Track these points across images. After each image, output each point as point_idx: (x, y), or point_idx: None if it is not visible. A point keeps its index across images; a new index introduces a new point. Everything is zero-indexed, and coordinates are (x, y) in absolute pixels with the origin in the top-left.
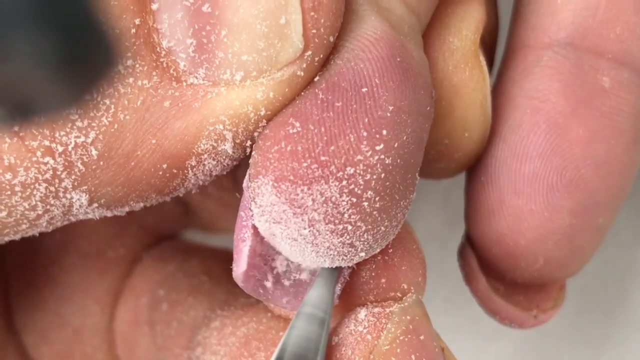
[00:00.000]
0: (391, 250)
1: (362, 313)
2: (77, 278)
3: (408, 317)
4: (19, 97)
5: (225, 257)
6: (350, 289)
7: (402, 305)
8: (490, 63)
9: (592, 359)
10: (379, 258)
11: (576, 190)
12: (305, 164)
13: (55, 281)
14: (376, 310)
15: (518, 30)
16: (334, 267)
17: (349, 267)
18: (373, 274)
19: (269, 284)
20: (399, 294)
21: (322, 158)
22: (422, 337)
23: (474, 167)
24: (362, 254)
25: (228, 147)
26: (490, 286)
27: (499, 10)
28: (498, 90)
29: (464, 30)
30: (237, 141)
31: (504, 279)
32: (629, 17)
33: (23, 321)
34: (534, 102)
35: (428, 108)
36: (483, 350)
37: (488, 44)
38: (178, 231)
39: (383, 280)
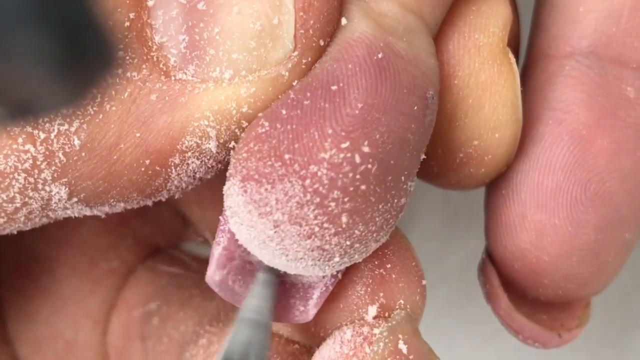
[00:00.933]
0: (389, 265)
1: (348, 333)
2: (70, 290)
3: (398, 336)
4: (19, 96)
5: None
6: (343, 303)
7: (390, 324)
8: None
9: (592, 358)
10: (376, 272)
11: (601, 204)
12: (269, 163)
13: (48, 292)
14: (363, 329)
15: (538, 40)
16: (307, 274)
17: (332, 276)
18: (369, 289)
19: (241, 289)
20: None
21: (286, 156)
22: (411, 357)
23: (494, 180)
24: (337, 259)
25: (212, 145)
26: (512, 304)
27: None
28: None
29: (491, 27)
30: (221, 140)
31: (526, 297)
32: None
33: (16, 331)
34: (556, 113)
35: (415, 108)
36: (483, 350)
37: (513, 48)
38: (175, 243)
39: (379, 297)
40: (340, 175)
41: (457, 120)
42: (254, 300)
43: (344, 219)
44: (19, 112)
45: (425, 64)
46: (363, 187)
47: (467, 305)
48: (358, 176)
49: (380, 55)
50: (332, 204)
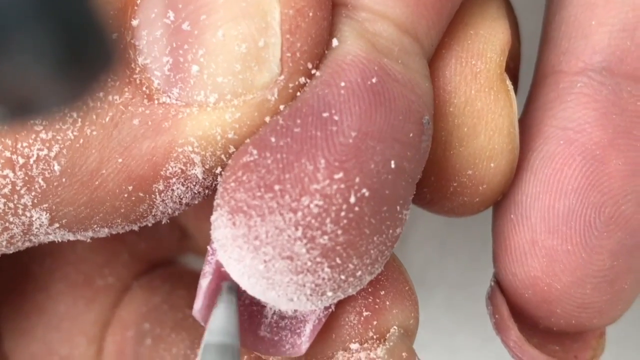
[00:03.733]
0: (383, 292)
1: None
2: (65, 306)
3: (397, 357)
4: (19, 95)
5: None
6: (336, 333)
7: (387, 346)
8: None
9: None
10: (370, 301)
11: (616, 228)
12: (258, 194)
13: (43, 309)
14: (360, 355)
15: (548, 55)
16: (300, 309)
17: (325, 308)
18: (362, 319)
19: None
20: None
21: (276, 187)
22: None
23: (502, 203)
24: (330, 293)
25: (197, 172)
26: (523, 335)
27: (522, 35)
28: (527, 120)
29: (489, 53)
30: (206, 167)
31: (537, 327)
32: None
33: (12, 347)
34: (567, 133)
35: (411, 135)
36: (483, 350)
37: (512, 71)
38: (173, 257)
39: (372, 325)
40: (334, 208)
41: (452, 148)
42: (218, 322)
43: (338, 253)
44: (19, 110)
45: (420, 88)
46: (357, 219)
47: (467, 305)
48: (352, 208)
49: (374, 80)
50: (325, 237)
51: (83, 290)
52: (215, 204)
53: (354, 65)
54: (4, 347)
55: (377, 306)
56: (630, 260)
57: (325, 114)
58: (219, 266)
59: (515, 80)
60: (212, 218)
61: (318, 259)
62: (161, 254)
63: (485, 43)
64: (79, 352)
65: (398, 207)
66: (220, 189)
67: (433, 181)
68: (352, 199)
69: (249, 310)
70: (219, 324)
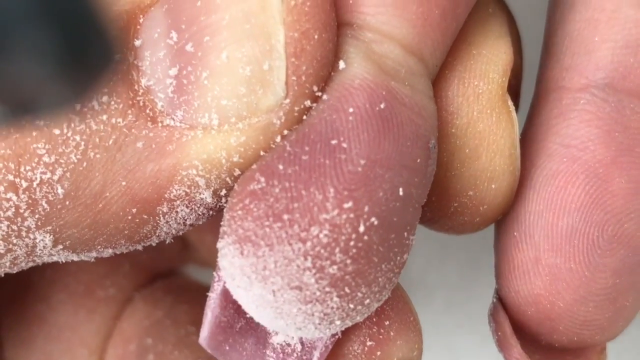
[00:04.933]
0: (387, 322)
1: None
2: (65, 317)
3: None
4: (20, 95)
5: None
6: None
7: None
8: (515, 108)
9: None
10: (374, 331)
11: (619, 246)
12: (267, 223)
13: (44, 319)
14: None
15: (550, 71)
16: (308, 336)
17: (332, 335)
18: (366, 349)
19: (236, 352)
20: None
21: (285, 217)
22: None
23: (505, 221)
24: (338, 322)
25: (201, 194)
26: (525, 351)
27: (524, 39)
28: (529, 137)
29: (491, 73)
30: (211, 189)
31: (540, 343)
32: None
33: (13, 357)
34: (571, 150)
35: (418, 160)
36: (483, 350)
37: (514, 88)
38: (175, 268)
39: (376, 355)
40: (343, 237)
41: (453, 169)
42: None
43: (347, 282)
44: (20, 110)
45: (426, 110)
46: (366, 248)
47: (467, 305)
48: (361, 237)
49: (382, 105)
50: (334, 267)
51: (84, 300)
52: (221, 231)
53: (362, 90)
54: (5, 357)
55: (381, 336)
56: (632, 277)
57: (333, 141)
58: (225, 294)
59: (516, 96)
60: (219, 245)
61: (327, 289)
62: (163, 265)
63: (488, 63)
64: None
65: (405, 234)
66: (226, 216)
67: (434, 201)
68: (362, 228)
69: (255, 336)
70: None
